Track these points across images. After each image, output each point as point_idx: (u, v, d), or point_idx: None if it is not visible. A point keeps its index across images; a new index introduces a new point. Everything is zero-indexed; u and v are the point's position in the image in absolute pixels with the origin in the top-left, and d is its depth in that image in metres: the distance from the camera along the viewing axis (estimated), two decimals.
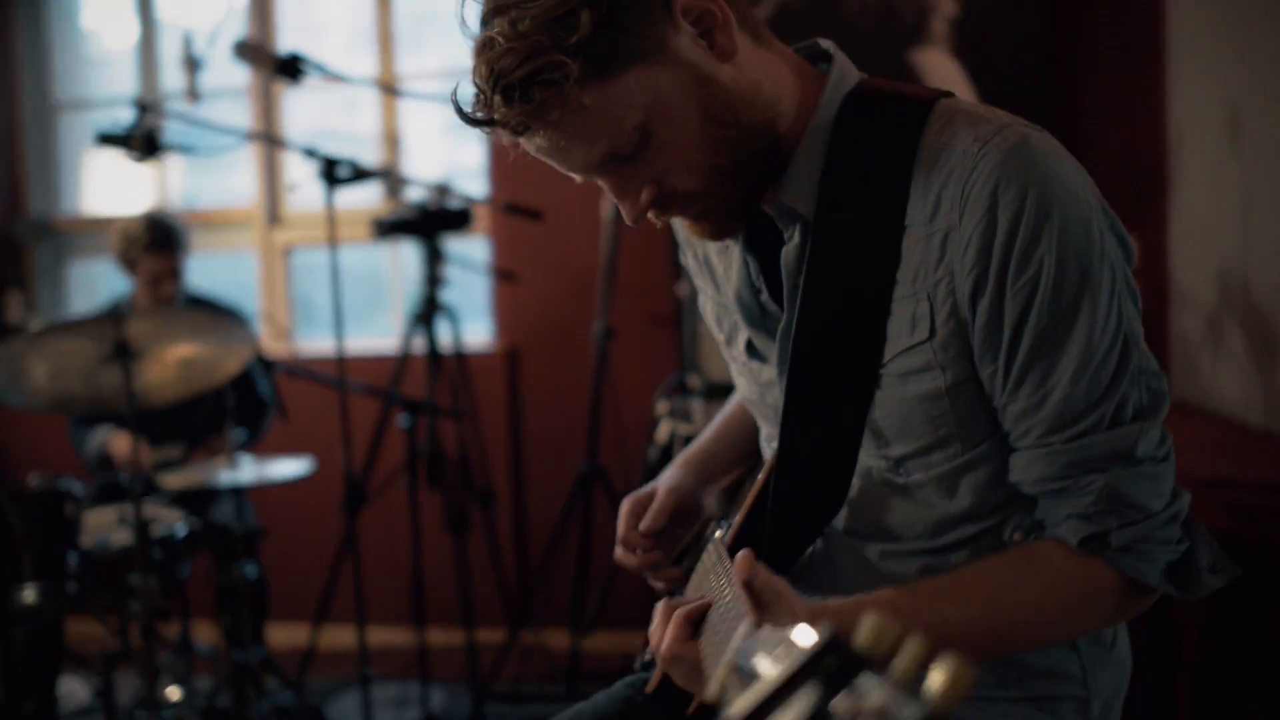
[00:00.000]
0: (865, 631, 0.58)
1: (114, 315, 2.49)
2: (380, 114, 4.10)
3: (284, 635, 3.84)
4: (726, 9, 1.04)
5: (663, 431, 2.44)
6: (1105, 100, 3.29)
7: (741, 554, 1.00)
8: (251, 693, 2.96)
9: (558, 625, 3.63)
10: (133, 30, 4.38)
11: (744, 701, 0.55)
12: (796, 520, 1.14)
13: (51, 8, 4.47)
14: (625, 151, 1.03)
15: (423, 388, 3.28)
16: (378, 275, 4.41)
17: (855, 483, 1.14)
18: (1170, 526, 1.04)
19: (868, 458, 1.13)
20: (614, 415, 3.45)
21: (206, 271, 4.18)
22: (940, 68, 3.39)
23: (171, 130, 3.94)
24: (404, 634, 3.69)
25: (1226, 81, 2.78)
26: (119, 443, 3.16)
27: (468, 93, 1.03)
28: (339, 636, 3.52)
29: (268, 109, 4.22)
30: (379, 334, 4.23)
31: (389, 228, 3.19)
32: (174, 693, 3.07)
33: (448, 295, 3.30)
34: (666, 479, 1.38)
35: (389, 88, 3.85)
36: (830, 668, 0.56)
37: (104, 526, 2.75)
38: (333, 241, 2.79)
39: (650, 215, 1.10)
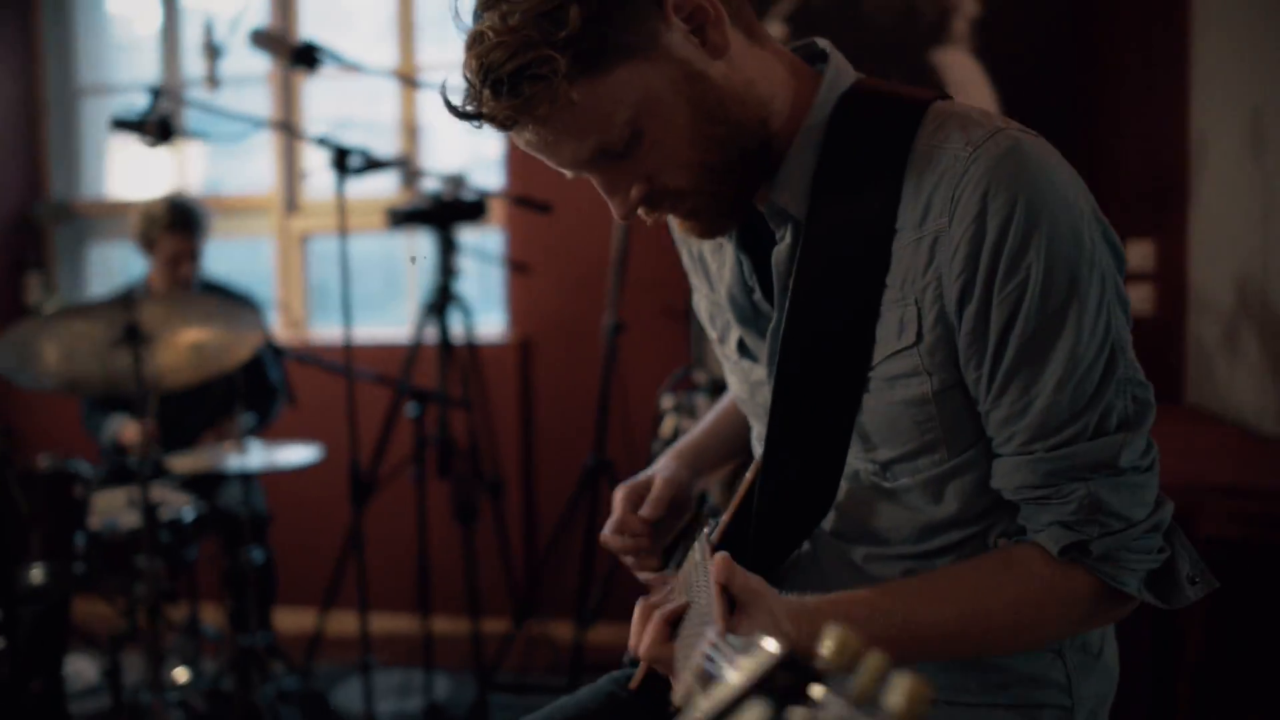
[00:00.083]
0: (828, 643, 0.57)
1: (126, 299, 2.51)
2: (400, 104, 4.11)
3: (293, 620, 3.87)
4: (719, 6, 1.03)
5: (667, 426, 2.44)
6: (1127, 104, 3.26)
7: (719, 556, 1.00)
8: (256, 677, 2.98)
9: (562, 617, 3.64)
10: (156, 16, 4.41)
11: (694, 716, 0.55)
12: (783, 521, 1.14)
13: None
14: (615, 148, 1.02)
15: (434, 378, 3.29)
16: (394, 264, 4.42)
17: (843, 485, 1.13)
18: (1151, 536, 1.04)
19: (855, 461, 1.12)
20: (623, 409, 3.45)
21: (225, 257, 4.21)
22: (961, 68, 3.36)
23: (190, 116, 3.98)
24: (410, 622, 3.71)
25: (1249, 88, 2.75)
26: (131, 431, 3.19)
27: (458, 85, 1.03)
28: (347, 622, 3.54)
29: (288, 97, 4.24)
30: (394, 323, 4.24)
31: (403, 217, 3.19)
32: (181, 674, 3.10)
33: (461, 286, 3.30)
34: (662, 469, 1.38)
35: (406, 78, 3.85)
36: (782, 683, 0.55)
37: (113, 508, 2.78)
38: (343, 230, 2.80)
39: (640, 212, 1.09)
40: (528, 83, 0.97)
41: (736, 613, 1.00)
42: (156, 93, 2.58)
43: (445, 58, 4.18)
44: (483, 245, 3.99)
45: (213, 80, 2.94)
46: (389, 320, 4.31)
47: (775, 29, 3.41)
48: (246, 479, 3.05)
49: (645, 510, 1.31)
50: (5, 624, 2.34)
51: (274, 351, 3.28)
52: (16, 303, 4.33)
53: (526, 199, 3.18)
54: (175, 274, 3.34)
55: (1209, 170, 3.06)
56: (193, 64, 4.34)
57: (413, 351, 3.34)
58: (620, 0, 0.98)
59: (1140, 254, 3.25)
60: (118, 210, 4.36)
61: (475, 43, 0.99)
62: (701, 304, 1.33)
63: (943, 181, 1.01)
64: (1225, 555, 2.12)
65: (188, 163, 4.47)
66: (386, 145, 4.13)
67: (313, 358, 3.34)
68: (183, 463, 2.94)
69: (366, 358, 3.68)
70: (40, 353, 2.60)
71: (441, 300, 3.25)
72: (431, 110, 4.14)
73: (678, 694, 0.94)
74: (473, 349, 3.43)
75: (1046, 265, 0.98)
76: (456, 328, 3.32)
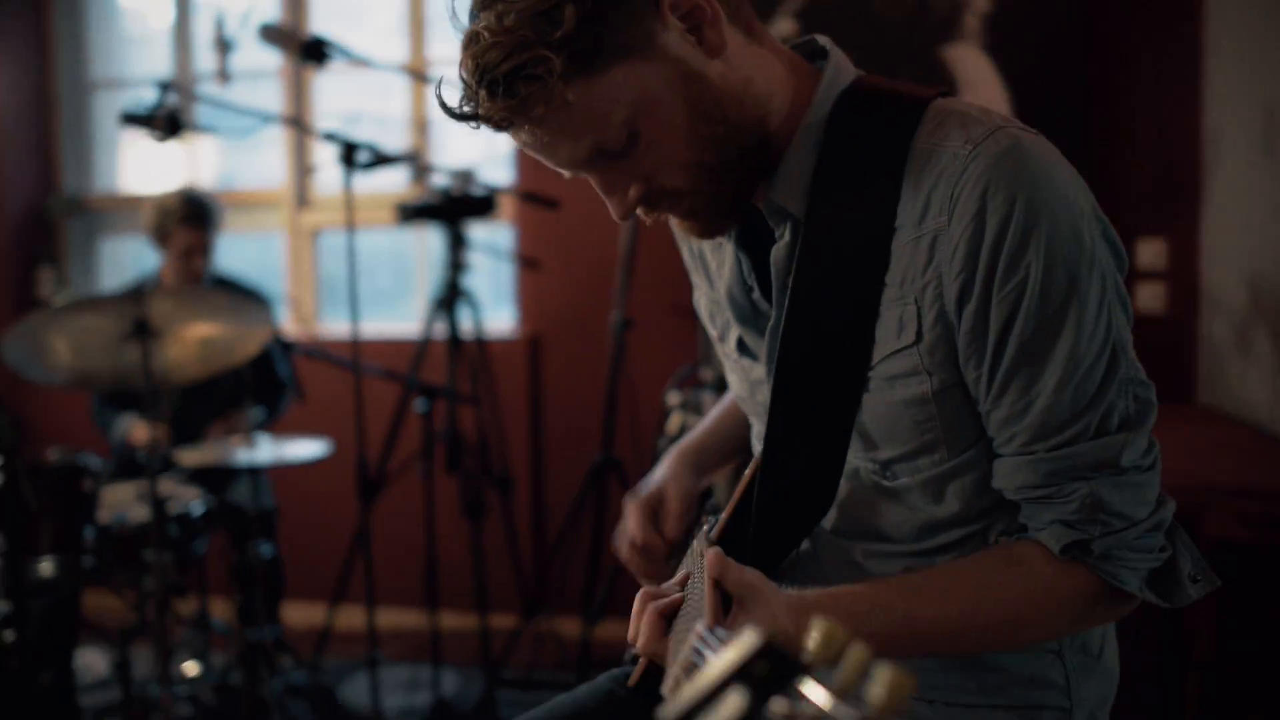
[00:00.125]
0: (814, 635, 0.57)
1: (135, 294, 2.52)
2: (411, 99, 4.11)
3: (302, 614, 3.88)
4: (716, 5, 1.02)
5: (673, 423, 2.43)
6: (1139, 100, 3.24)
7: (712, 551, 1.00)
8: (264, 671, 2.99)
9: (570, 612, 3.64)
10: (168, 10, 4.42)
11: (675, 706, 0.55)
12: (783, 520, 1.14)
13: None
14: (612, 148, 1.02)
15: (444, 373, 3.29)
16: (405, 259, 4.43)
17: (843, 484, 1.13)
18: (1153, 535, 1.03)
19: (856, 460, 1.12)
20: (631, 405, 3.45)
21: (237, 252, 4.22)
22: (972, 64, 3.35)
23: (200, 111, 3.99)
24: (419, 617, 3.72)
25: (1263, 85, 2.73)
26: (141, 432, 3.20)
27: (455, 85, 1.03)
28: (355, 617, 3.55)
29: (298, 92, 4.25)
30: (405, 318, 4.25)
31: (412, 213, 3.20)
32: (191, 668, 3.11)
33: (471, 281, 3.31)
34: (671, 478, 1.38)
35: (416, 73, 3.85)
36: (761, 673, 0.55)
37: (122, 502, 2.79)
38: (350, 225, 2.80)
39: (639, 213, 1.09)
40: (523, 83, 0.96)
41: (734, 608, 1.00)
42: (165, 87, 2.59)
43: (456, 53, 4.18)
44: (493, 241, 3.99)
45: (224, 75, 2.96)
46: (400, 316, 4.32)
47: (785, 25, 3.40)
48: (255, 474, 3.06)
49: (669, 531, 1.33)
50: (14, 617, 2.35)
51: (282, 346, 3.29)
52: (29, 296, 4.35)
53: (533, 195, 3.18)
54: (188, 267, 3.35)
55: (1222, 168, 3.04)
56: (204, 58, 4.35)
57: (422, 347, 3.34)
58: (616, 0, 0.97)
59: (1152, 252, 3.24)
60: (129, 204, 4.37)
61: (471, 43, 0.99)
62: (701, 302, 1.33)
63: (942, 179, 1.00)
64: (1234, 556, 2.11)
65: (200, 157, 4.48)
66: (398, 140, 4.13)
67: (320, 352, 3.35)
68: (191, 457, 2.95)
69: (376, 353, 3.68)
70: (50, 346, 2.61)
71: (450, 296, 3.25)
72: None
73: (667, 686, 0.94)
74: (481, 344, 3.43)
75: (1046, 264, 0.97)
76: (466, 323, 3.32)
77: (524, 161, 3.80)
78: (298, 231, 4.30)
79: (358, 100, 4.37)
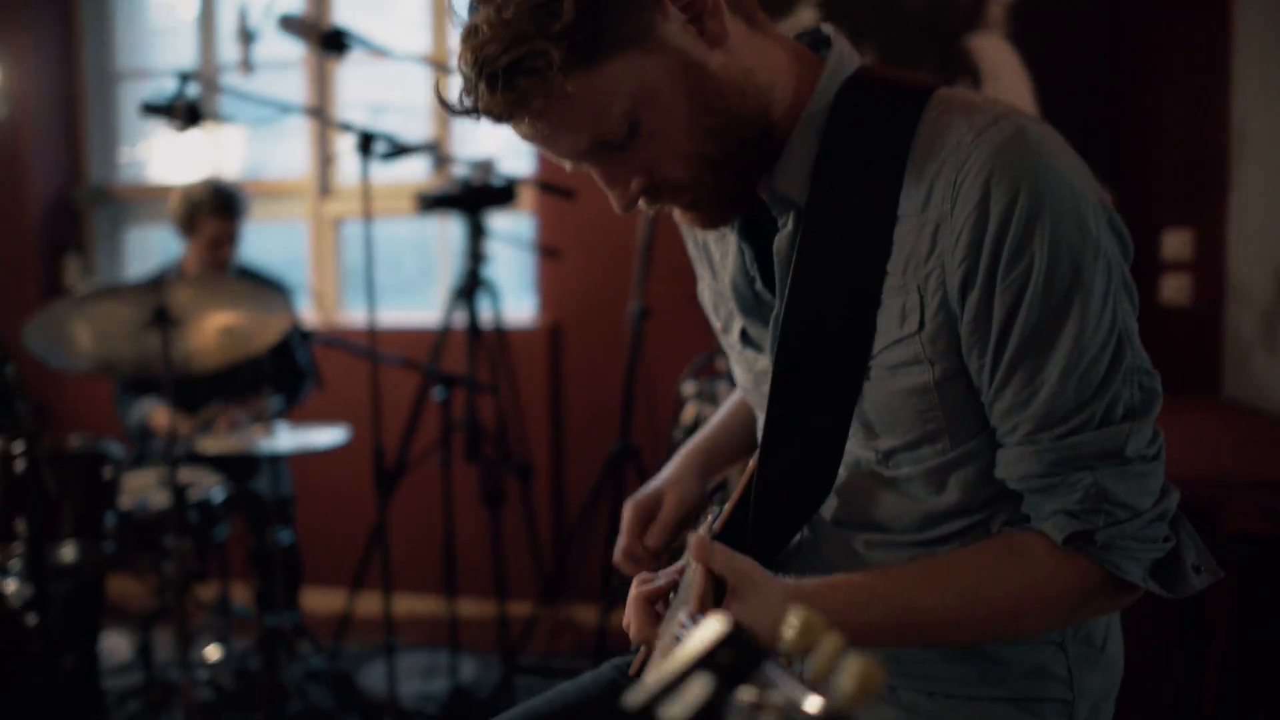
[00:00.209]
0: (791, 624, 0.57)
1: (156, 283, 2.54)
2: (433, 89, 4.11)
3: (323, 601, 3.91)
4: None
5: (688, 413, 2.43)
6: (1167, 90, 3.20)
7: (695, 537, 1.00)
8: (283, 656, 3.01)
9: (587, 600, 3.65)
10: (193, 1, 4.45)
11: (641, 692, 0.55)
12: (781, 508, 1.13)
13: None
14: (613, 140, 1.02)
15: (464, 362, 3.30)
16: (428, 249, 4.44)
17: (843, 473, 1.13)
18: (1157, 525, 1.02)
19: (857, 449, 1.11)
20: (649, 395, 3.45)
21: (261, 241, 4.25)
22: (996, 54, 3.32)
23: (224, 101, 4.01)
24: (437, 604, 3.74)
25: None
26: (160, 415, 3.23)
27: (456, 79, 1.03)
28: (375, 604, 3.57)
29: (321, 82, 4.26)
30: (428, 307, 4.26)
31: (432, 202, 3.21)
32: (213, 652, 3.15)
33: (493, 270, 3.31)
34: (673, 483, 1.38)
35: (436, 63, 3.86)
36: (726, 660, 0.55)
37: (144, 488, 2.82)
38: (368, 215, 2.81)
39: (641, 204, 1.08)
40: (522, 76, 0.96)
41: (727, 596, 1.00)
42: (185, 77, 2.60)
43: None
44: (514, 230, 4.00)
45: (247, 65, 2.97)
46: (423, 305, 4.33)
47: (807, 15, 3.38)
48: (274, 461, 3.09)
49: (651, 539, 1.33)
50: (37, 600, 2.38)
51: (301, 335, 3.31)
52: (56, 285, 4.40)
53: (549, 184, 3.18)
54: (216, 257, 3.37)
55: (1250, 158, 3.00)
56: (229, 49, 4.37)
57: (441, 336, 3.35)
58: None
59: (1178, 243, 3.20)
60: (155, 194, 4.41)
61: (470, 36, 0.98)
62: (705, 293, 1.32)
63: (945, 168, 0.99)
64: (1254, 550, 2.09)
65: (226, 147, 4.51)
66: (421, 130, 4.14)
67: (339, 341, 3.37)
68: (211, 445, 2.98)
69: (397, 342, 3.70)
70: (72, 334, 2.64)
71: (470, 285, 3.26)
72: None
73: (650, 674, 0.94)
74: (501, 333, 3.44)
75: (1050, 253, 0.96)
76: (486, 312, 3.33)
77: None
78: (320, 221, 4.32)
79: (381, 90, 4.39)
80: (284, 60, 4.19)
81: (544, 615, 3.57)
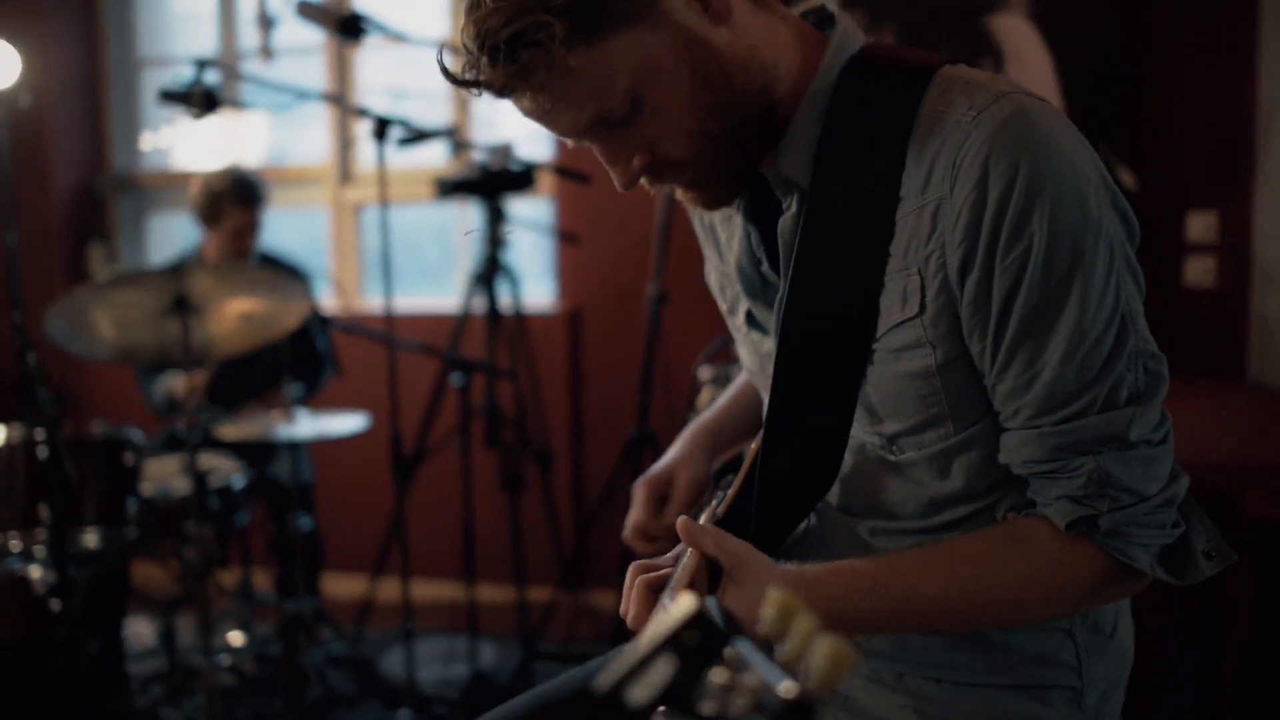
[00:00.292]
0: (768, 607, 0.56)
1: (175, 270, 2.55)
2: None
3: (345, 587, 3.93)
4: None
5: (704, 398, 2.41)
6: (1191, 69, 3.15)
7: (680, 520, 0.99)
8: (303, 642, 3.03)
9: (607, 586, 3.65)
10: None
11: (609, 674, 0.54)
12: (786, 494, 1.12)
13: None
14: (615, 116, 1.01)
15: (483, 348, 3.30)
16: (449, 234, 4.45)
17: (849, 458, 1.11)
18: (1164, 511, 1.00)
19: (862, 434, 1.10)
20: (667, 380, 3.44)
21: (283, 228, 4.26)
22: (1018, 34, 3.28)
23: (243, 88, 4.02)
24: (458, 589, 3.75)
25: None
26: (183, 385, 3.25)
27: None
28: (396, 589, 3.59)
29: (341, 68, 4.27)
30: (449, 293, 4.27)
31: (450, 188, 3.20)
32: (236, 638, 3.17)
33: (512, 256, 3.31)
34: (682, 461, 1.37)
35: (455, 47, 3.85)
36: (690, 642, 0.54)
37: (165, 475, 2.84)
38: (384, 200, 2.82)
39: (643, 182, 1.07)
40: (524, 49, 0.95)
41: (723, 581, 0.99)
42: (202, 64, 2.61)
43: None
44: (534, 216, 3.99)
45: (267, 51, 2.98)
46: (444, 290, 4.34)
47: None
48: (294, 448, 3.10)
49: (669, 518, 1.32)
50: (60, 586, 2.41)
51: (320, 322, 3.32)
52: (80, 273, 4.43)
53: (565, 169, 3.17)
54: (238, 247, 3.38)
55: (1277, 137, 2.95)
56: (250, 35, 4.39)
57: (460, 322, 3.36)
58: None
59: (1203, 225, 3.15)
60: (178, 181, 4.43)
61: (473, 9, 0.97)
62: (712, 275, 1.31)
63: (945, 147, 0.98)
64: (1274, 536, 2.06)
65: (250, 134, 4.52)
66: (442, 115, 4.14)
67: (357, 327, 3.38)
68: (232, 431, 2.99)
69: (416, 328, 3.71)
70: (93, 322, 2.66)
71: (489, 270, 3.26)
72: None
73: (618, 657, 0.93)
74: (520, 319, 3.44)
75: (1050, 233, 0.94)
76: (505, 298, 3.33)
77: None
78: (341, 207, 4.33)
79: (402, 76, 4.38)
80: (306, 46, 4.20)
81: (563, 601, 3.57)
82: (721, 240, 1.25)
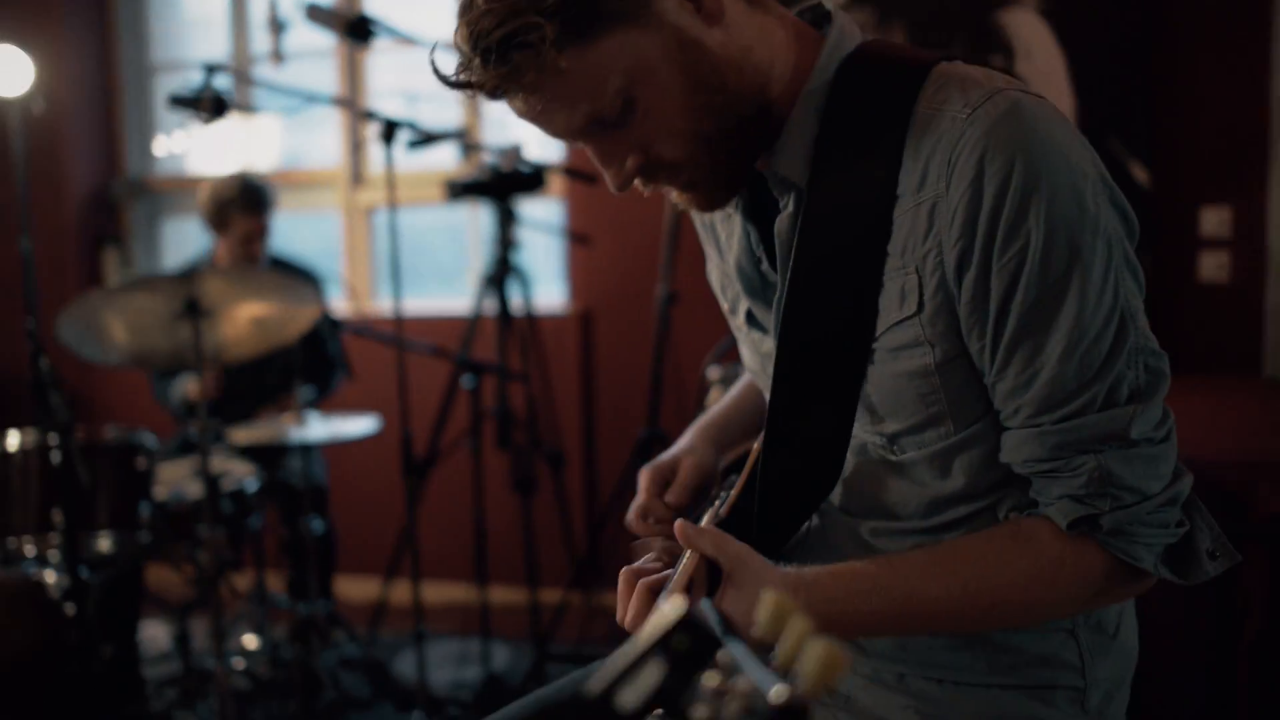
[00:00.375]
0: (762, 610, 0.56)
1: (187, 274, 2.56)
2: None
3: (358, 589, 3.94)
4: None
5: (713, 397, 2.41)
6: (1204, 64, 3.13)
7: (678, 522, 0.99)
8: (316, 644, 3.04)
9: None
10: None
11: (600, 678, 0.54)
12: (789, 494, 1.12)
13: None
14: (607, 117, 1.00)
15: (495, 350, 3.30)
16: (462, 237, 4.45)
17: (851, 459, 1.11)
18: (1167, 510, 0.99)
19: (863, 434, 1.10)
20: (677, 380, 3.44)
21: (295, 232, 4.28)
22: (1029, 29, 3.26)
23: (255, 92, 4.04)
24: (470, 591, 3.75)
25: None
26: (195, 386, 3.26)
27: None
28: (410, 592, 3.60)
29: (352, 71, 4.28)
30: (461, 295, 4.27)
31: (461, 189, 3.21)
32: (251, 641, 3.18)
33: (523, 257, 3.31)
34: (688, 450, 1.37)
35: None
36: (680, 645, 0.54)
37: (178, 479, 2.85)
38: (392, 203, 2.82)
39: (637, 184, 1.07)
40: (515, 50, 0.95)
41: (723, 583, 0.98)
42: (211, 69, 2.61)
43: None
44: (545, 217, 3.99)
45: (278, 55, 2.98)
46: (455, 293, 4.34)
47: None
48: (306, 450, 3.11)
49: (671, 496, 1.30)
50: (73, 590, 2.42)
51: (331, 325, 3.33)
52: (95, 278, 4.46)
53: (575, 170, 3.16)
54: (248, 253, 3.39)
55: None
56: (261, 40, 4.40)
57: (472, 324, 3.36)
58: None
59: (1217, 220, 3.13)
60: (192, 186, 4.45)
61: (466, 10, 0.98)
62: (713, 274, 1.31)
63: (940, 145, 0.97)
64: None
65: (263, 138, 4.54)
66: (454, 118, 4.14)
67: (368, 330, 3.38)
68: (245, 434, 3.00)
69: (428, 330, 3.71)
70: (106, 326, 2.67)
71: (500, 272, 3.26)
72: None
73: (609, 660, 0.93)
74: (532, 320, 3.44)
75: (1047, 230, 0.94)
76: (516, 299, 3.33)
77: None
78: (352, 210, 4.35)
79: (413, 78, 4.39)
80: (317, 50, 4.21)
81: (576, 602, 3.57)
82: (721, 239, 1.25)
